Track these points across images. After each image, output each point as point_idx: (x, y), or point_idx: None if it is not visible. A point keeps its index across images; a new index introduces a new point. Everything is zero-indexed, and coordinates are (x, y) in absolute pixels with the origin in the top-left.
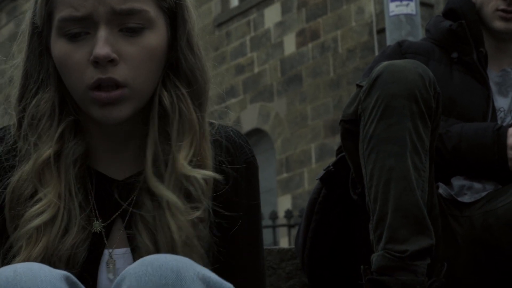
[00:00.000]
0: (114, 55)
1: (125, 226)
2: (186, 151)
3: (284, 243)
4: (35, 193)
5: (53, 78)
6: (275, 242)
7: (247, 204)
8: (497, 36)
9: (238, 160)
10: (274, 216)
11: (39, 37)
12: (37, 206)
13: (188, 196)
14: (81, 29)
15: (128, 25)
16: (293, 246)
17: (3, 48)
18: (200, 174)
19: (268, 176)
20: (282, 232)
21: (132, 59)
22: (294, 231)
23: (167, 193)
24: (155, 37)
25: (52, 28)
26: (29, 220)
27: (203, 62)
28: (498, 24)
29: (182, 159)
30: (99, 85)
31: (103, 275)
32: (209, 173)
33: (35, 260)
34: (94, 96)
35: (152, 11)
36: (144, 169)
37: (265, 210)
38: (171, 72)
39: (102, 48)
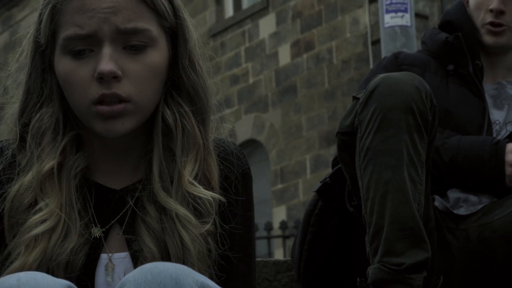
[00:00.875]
0: (118, 72)
1: (125, 232)
2: (191, 167)
3: (279, 254)
4: (35, 202)
5: (56, 94)
6: (270, 253)
7: (242, 215)
8: (489, 50)
9: (235, 172)
10: (269, 227)
11: (42, 55)
12: (39, 214)
13: (196, 210)
14: (85, 46)
15: (131, 43)
16: (288, 257)
17: None
18: (206, 195)
19: (262, 187)
20: (277, 243)
21: (136, 75)
22: (289, 242)
23: (177, 207)
24: (158, 55)
25: (56, 46)
26: (31, 228)
27: (205, 79)
28: (487, 39)
29: (188, 175)
30: (102, 100)
31: (100, 279)
32: (215, 195)
33: (32, 265)
34: (97, 110)
35: (154, 30)
36: (142, 179)
37: (260, 221)
38: (173, 90)
39: (107, 64)
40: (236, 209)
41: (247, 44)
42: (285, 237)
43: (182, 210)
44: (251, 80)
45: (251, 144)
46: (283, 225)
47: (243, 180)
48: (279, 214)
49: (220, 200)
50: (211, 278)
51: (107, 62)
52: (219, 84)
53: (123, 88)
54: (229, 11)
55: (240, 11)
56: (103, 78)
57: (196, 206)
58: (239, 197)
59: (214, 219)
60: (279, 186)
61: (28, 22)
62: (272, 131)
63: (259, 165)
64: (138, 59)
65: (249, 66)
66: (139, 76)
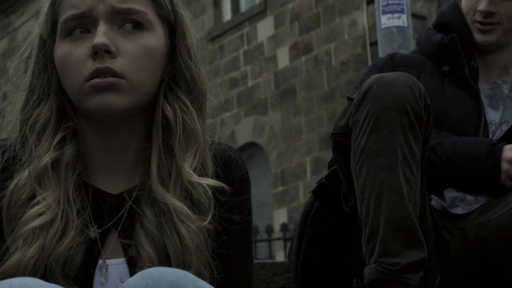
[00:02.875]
0: (111, 47)
1: (121, 236)
2: (191, 161)
3: (280, 256)
4: (33, 196)
5: (55, 89)
6: (271, 255)
7: (240, 218)
8: (483, 49)
9: (233, 175)
10: (269, 229)
11: (44, 50)
12: (37, 208)
13: (194, 205)
14: (81, 26)
15: (126, 22)
16: (287, 260)
17: None
18: (209, 182)
19: (263, 190)
20: (278, 246)
21: (130, 54)
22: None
23: (174, 201)
24: (153, 39)
25: (56, 36)
26: (28, 221)
27: (202, 74)
28: (477, 37)
29: (188, 168)
30: (96, 76)
31: (97, 284)
32: (218, 182)
33: (29, 260)
34: (90, 84)
35: (150, 14)
36: (139, 184)
37: (261, 223)
38: (173, 84)
39: (100, 38)
40: (234, 213)
41: (246, 47)
42: (286, 240)
43: (179, 205)
44: (250, 83)
45: (251, 147)
46: (284, 228)
47: (241, 184)
48: (280, 217)
49: (216, 199)
50: (212, 274)
51: (100, 36)
52: (218, 87)
53: (116, 64)
54: (227, 14)
55: (238, 14)
56: (97, 53)
57: (194, 200)
58: (236, 203)
59: (212, 215)
60: (280, 188)
61: (27, 27)
62: (272, 133)
63: (259, 168)
64: (132, 39)
65: (248, 69)
66: (133, 54)
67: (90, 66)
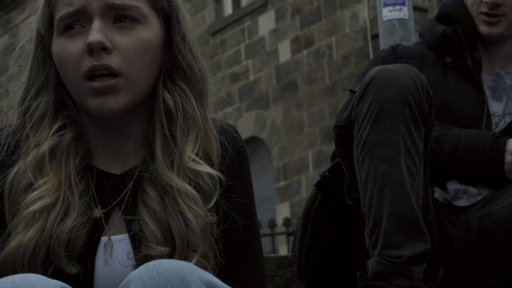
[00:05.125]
0: (107, 44)
1: (125, 214)
2: (191, 147)
3: (283, 251)
4: (34, 183)
5: (53, 81)
6: (274, 250)
7: (241, 194)
8: (486, 40)
9: (230, 150)
10: (272, 224)
11: (42, 44)
12: (37, 192)
13: (199, 190)
14: (76, 22)
15: (121, 17)
16: (291, 254)
17: None
18: (206, 169)
19: (265, 184)
20: (281, 240)
21: (126, 48)
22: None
23: (183, 184)
24: (148, 32)
25: (54, 32)
26: (29, 204)
27: (201, 61)
28: (482, 28)
29: (189, 153)
30: (94, 75)
31: (100, 261)
32: (212, 171)
33: (29, 243)
34: (90, 86)
35: (144, 8)
36: (140, 164)
37: (264, 218)
38: (171, 73)
39: (95, 35)
40: (234, 188)
41: (247, 42)
42: (289, 234)
43: (185, 186)
44: (251, 78)
45: (253, 141)
46: (287, 222)
47: (238, 158)
48: (283, 211)
49: (220, 178)
50: (215, 257)
51: (95, 33)
52: (219, 82)
53: (113, 60)
54: (228, 9)
55: (239, 9)
56: (93, 50)
57: (198, 184)
58: (235, 177)
59: (219, 201)
60: (282, 183)
61: (27, 24)
62: (273, 128)
63: (261, 162)
64: (128, 34)
65: (250, 64)
66: (129, 49)
67: (87, 62)
